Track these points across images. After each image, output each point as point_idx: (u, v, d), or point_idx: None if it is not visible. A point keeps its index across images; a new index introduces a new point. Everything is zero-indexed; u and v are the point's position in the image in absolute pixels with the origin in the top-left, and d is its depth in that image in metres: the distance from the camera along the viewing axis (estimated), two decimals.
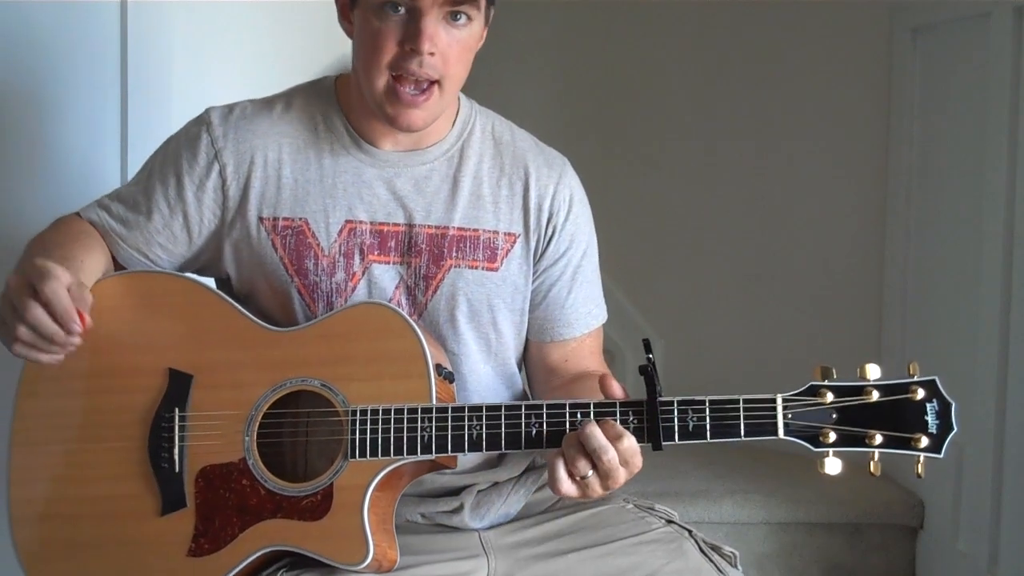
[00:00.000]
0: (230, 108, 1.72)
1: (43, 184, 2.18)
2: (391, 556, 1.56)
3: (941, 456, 1.47)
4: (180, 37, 2.40)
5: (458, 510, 1.71)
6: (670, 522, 1.73)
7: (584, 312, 1.76)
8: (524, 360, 1.79)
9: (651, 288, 3.48)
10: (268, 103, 1.73)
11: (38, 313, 1.47)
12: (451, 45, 1.59)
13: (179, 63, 2.40)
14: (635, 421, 1.50)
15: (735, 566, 1.68)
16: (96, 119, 2.30)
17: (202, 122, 1.71)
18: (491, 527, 1.73)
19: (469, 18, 1.60)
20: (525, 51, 3.79)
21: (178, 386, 1.61)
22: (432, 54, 1.58)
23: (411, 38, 1.57)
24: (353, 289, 1.68)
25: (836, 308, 3.11)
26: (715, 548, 1.68)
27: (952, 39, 2.70)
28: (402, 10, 1.57)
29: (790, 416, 1.48)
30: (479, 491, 1.73)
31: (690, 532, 1.70)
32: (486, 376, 1.73)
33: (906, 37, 2.86)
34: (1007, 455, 2.40)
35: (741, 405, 1.49)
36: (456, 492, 1.73)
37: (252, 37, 2.58)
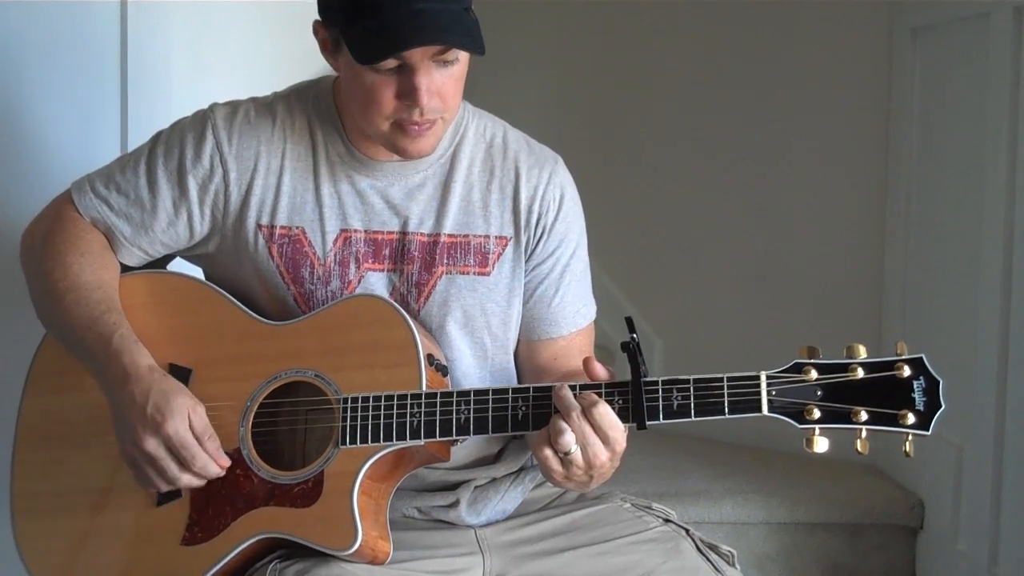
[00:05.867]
0: (233, 109, 1.72)
1: (43, 183, 2.18)
2: (383, 548, 1.57)
3: (929, 433, 1.45)
4: (180, 37, 2.40)
5: (454, 505, 1.72)
6: (667, 521, 1.73)
7: (572, 311, 1.75)
8: (515, 360, 1.78)
9: (651, 288, 3.48)
10: (269, 107, 1.73)
11: (189, 479, 1.58)
12: (445, 83, 1.58)
13: (179, 63, 2.40)
14: (620, 401, 1.51)
15: (733, 565, 1.68)
16: (96, 119, 2.31)
17: (207, 121, 1.70)
18: (487, 524, 1.73)
19: (457, 57, 1.58)
20: (524, 53, 3.79)
21: (176, 380, 1.62)
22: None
23: (408, 94, 1.56)
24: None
25: (836, 308, 3.11)
26: (712, 547, 1.68)
27: (952, 39, 2.70)
28: (392, 66, 1.55)
29: (774, 393, 1.48)
30: (476, 487, 1.74)
31: (687, 531, 1.71)
32: (481, 382, 1.73)
33: (906, 37, 2.86)
34: (1007, 455, 2.40)
35: (725, 383, 1.49)
36: (453, 487, 1.73)
37: (252, 37, 2.58)
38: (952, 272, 2.67)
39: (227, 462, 1.58)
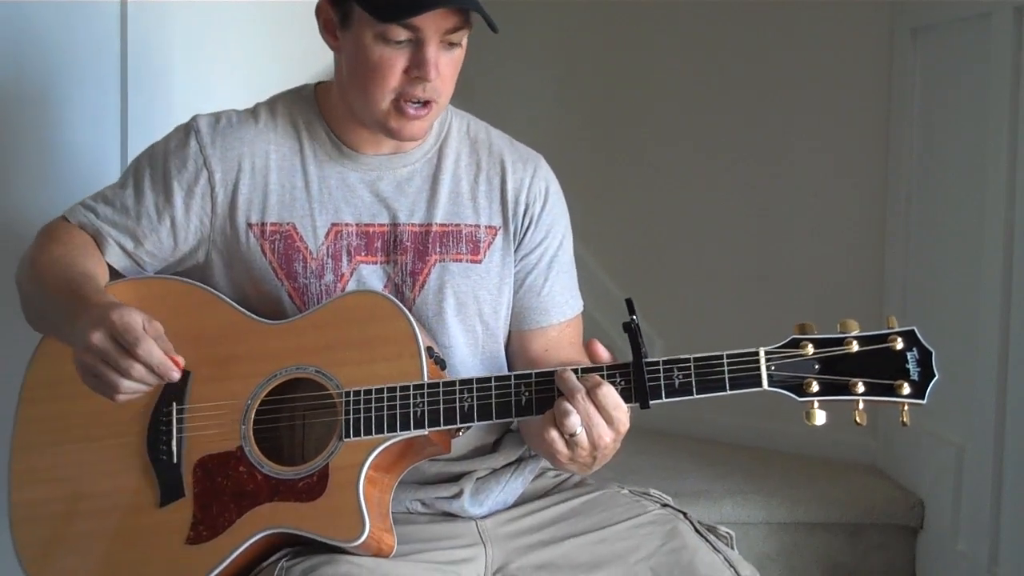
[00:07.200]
0: (216, 117, 1.75)
1: (43, 184, 2.19)
2: (388, 541, 1.58)
3: (924, 402, 1.48)
4: (180, 37, 2.41)
5: (457, 496, 1.73)
6: (665, 505, 1.75)
7: (561, 301, 1.79)
8: (507, 353, 1.80)
9: (652, 288, 3.48)
10: (252, 112, 1.77)
11: (140, 371, 1.51)
12: (448, 66, 1.64)
13: (179, 63, 2.41)
14: (622, 382, 1.53)
15: (731, 547, 1.70)
16: (96, 119, 2.31)
17: (190, 129, 1.74)
18: (489, 514, 1.75)
19: (461, 41, 1.64)
20: (524, 53, 3.79)
21: (176, 382, 1.62)
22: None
23: (418, 67, 1.61)
24: (342, 290, 1.71)
25: (837, 308, 3.10)
26: (711, 529, 1.71)
27: (952, 39, 2.70)
28: (403, 38, 1.60)
29: (773, 368, 1.51)
30: (478, 478, 1.75)
31: (685, 514, 1.73)
32: (474, 369, 1.75)
33: (906, 37, 2.86)
34: (1007, 455, 2.40)
35: (725, 360, 1.51)
36: (455, 479, 1.75)
37: (252, 37, 2.58)
38: (952, 272, 2.67)
39: (182, 361, 1.53)
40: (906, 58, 2.86)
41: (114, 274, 1.74)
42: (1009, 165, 2.37)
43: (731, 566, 1.65)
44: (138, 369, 1.51)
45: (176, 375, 1.53)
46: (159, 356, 1.51)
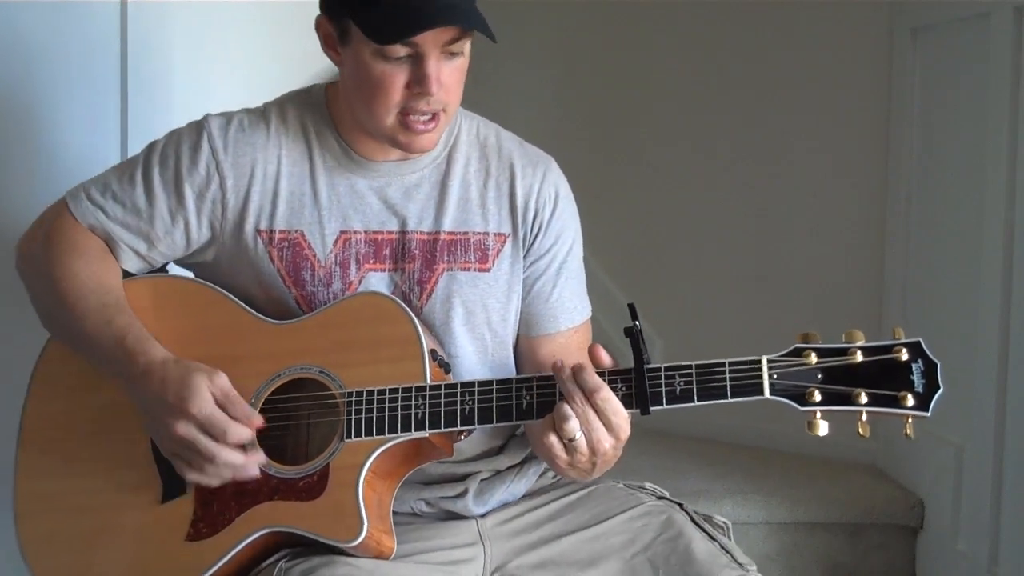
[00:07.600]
0: (228, 119, 1.73)
1: (43, 184, 2.18)
2: (387, 543, 1.58)
3: (928, 415, 1.46)
4: (180, 37, 2.41)
5: (462, 495, 1.73)
6: (660, 498, 1.76)
7: (570, 307, 1.78)
8: (515, 358, 1.80)
9: (651, 288, 3.48)
10: (263, 115, 1.74)
11: (229, 455, 1.55)
12: (451, 75, 1.62)
13: (179, 63, 2.41)
14: (623, 388, 1.52)
15: (728, 536, 1.70)
16: (96, 119, 2.31)
17: (202, 130, 1.71)
18: (490, 511, 1.75)
19: (463, 50, 1.62)
20: (524, 53, 3.80)
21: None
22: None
23: (419, 82, 1.59)
24: None
25: (836, 308, 3.11)
26: (707, 518, 1.71)
27: (952, 39, 2.70)
28: (403, 54, 1.58)
29: (775, 376, 1.49)
30: (482, 480, 1.75)
31: (680, 505, 1.73)
32: (482, 377, 1.73)
33: (906, 37, 2.86)
34: (1007, 455, 2.40)
35: (727, 367, 1.50)
36: (460, 479, 1.75)
37: (252, 37, 2.58)
38: (952, 272, 2.67)
39: (260, 420, 1.57)
40: (905, 58, 2.86)
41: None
42: (1009, 165, 2.38)
43: (727, 553, 1.65)
44: (228, 454, 1.55)
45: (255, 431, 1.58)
46: (247, 435, 1.56)
